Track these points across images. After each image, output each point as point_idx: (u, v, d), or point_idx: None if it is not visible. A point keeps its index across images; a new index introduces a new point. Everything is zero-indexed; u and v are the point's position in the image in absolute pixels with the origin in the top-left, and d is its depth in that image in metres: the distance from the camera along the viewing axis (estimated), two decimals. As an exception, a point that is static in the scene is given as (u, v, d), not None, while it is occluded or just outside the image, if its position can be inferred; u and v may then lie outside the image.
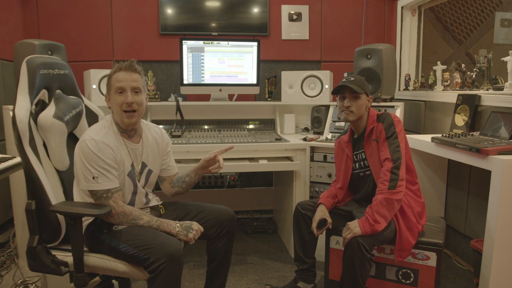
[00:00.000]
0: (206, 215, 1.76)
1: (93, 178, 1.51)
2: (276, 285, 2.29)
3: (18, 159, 1.84)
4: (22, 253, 2.37)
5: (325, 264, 2.11)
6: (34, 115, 1.60)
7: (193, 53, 2.94)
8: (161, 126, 1.89)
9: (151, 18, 3.21)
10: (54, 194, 1.56)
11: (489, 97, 2.22)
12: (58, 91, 1.72)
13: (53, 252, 1.56)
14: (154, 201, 1.81)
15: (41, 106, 1.65)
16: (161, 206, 1.82)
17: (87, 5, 3.13)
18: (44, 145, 1.63)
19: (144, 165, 1.73)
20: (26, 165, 1.52)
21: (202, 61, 2.96)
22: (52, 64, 1.68)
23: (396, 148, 1.80)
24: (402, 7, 3.30)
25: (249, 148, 2.56)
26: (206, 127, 3.01)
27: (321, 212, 1.97)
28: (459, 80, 2.61)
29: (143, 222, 1.56)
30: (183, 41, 2.91)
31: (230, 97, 3.14)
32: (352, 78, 1.94)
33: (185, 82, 2.94)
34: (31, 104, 1.56)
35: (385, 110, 2.01)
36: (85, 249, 1.55)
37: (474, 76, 2.53)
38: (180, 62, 2.91)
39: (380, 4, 3.43)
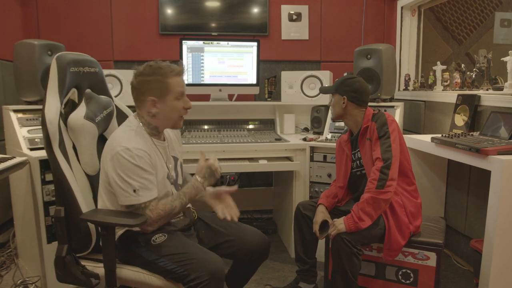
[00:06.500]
0: (242, 239, 1.69)
1: (134, 191, 1.40)
2: (276, 285, 2.29)
3: (18, 159, 1.83)
4: (22, 253, 2.37)
5: (325, 264, 2.11)
6: (64, 116, 1.52)
7: (193, 53, 2.94)
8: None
9: (151, 18, 3.22)
10: (84, 200, 1.49)
11: (488, 97, 2.22)
12: (88, 90, 1.64)
13: (83, 262, 1.48)
14: None
15: (71, 106, 1.58)
16: (193, 209, 1.74)
17: (87, 5, 3.13)
18: (74, 148, 1.54)
19: (175, 159, 1.68)
20: (55, 168, 1.43)
21: (202, 61, 2.95)
22: (83, 62, 1.59)
23: (387, 148, 1.79)
24: (402, 7, 3.30)
25: (249, 148, 2.56)
26: (206, 127, 3.01)
27: (322, 214, 1.97)
28: (459, 80, 2.61)
29: (178, 209, 1.50)
30: (183, 41, 2.91)
31: (230, 97, 3.14)
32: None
33: (185, 82, 2.93)
34: (61, 104, 1.48)
35: (379, 110, 2.01)
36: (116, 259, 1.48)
37: (473, 76, 2.53)
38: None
39: (380, 4, 3.43)
